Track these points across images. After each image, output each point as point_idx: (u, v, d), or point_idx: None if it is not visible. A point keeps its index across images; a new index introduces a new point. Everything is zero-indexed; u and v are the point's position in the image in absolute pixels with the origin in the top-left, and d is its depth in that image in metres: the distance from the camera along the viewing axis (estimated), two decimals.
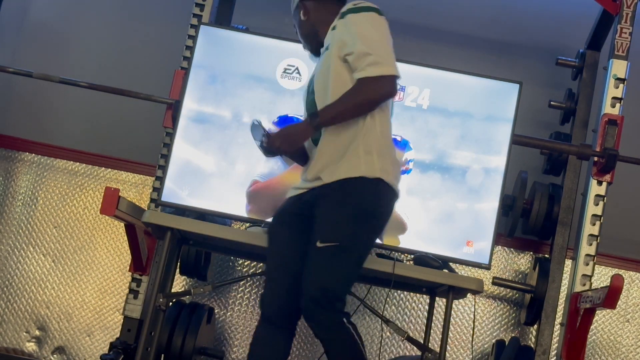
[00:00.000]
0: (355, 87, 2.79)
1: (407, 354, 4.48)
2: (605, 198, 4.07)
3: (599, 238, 4.05)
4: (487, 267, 3.92)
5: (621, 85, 4.11)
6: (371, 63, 2.78)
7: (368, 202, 2.79)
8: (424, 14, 4.71)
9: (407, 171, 3.86)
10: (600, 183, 4.10)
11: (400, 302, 4.59)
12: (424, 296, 4.49)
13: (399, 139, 3.87)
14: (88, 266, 4.66)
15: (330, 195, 2.81)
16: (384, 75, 2.78)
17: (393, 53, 2.85)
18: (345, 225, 2.76)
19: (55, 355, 4.58)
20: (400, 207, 3.65)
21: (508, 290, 4.61)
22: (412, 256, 3.76)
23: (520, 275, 4.66)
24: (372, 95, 2.78)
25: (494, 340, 4.53)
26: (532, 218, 4.38)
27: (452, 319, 4.35)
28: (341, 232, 2.76)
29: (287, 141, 2.80)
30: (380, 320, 3.40)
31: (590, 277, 4.03)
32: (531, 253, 4.67)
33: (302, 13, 3.07)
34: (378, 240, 3.19)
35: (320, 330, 2.80)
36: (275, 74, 4.04)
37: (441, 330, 3.41)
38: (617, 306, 3.55)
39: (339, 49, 2.85)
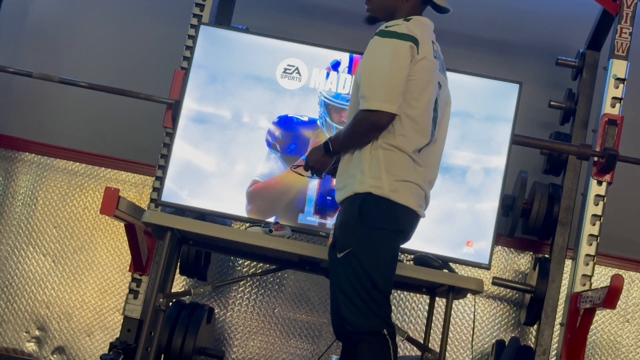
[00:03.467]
0: (352, 120, 2.95)
1: (407, 354, 4.48)
2: (605, 198, 4.07)
3: (599, 238, 4.05)
4: (487, 267, 3.92)
5: (621, 85, 4.11)
6: (361, 96, 2.91)
7: (360, 212, 2.89)
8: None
9: None
10: (600, 183, 4.09)
11: (400, 302, 4.59)
12: (424, 296, 4.48)
13: None
14: (88, 266, 4.65)
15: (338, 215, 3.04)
16: (367, 110, 2.87)
17: (393, 84, 2.86)
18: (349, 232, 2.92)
19: (55, 355, 4.58)
20: None
21: (508, 290, 4.61)
22: (412, 256, 3.76)
23: (520, 275, 4.66)
24: (360, 131, 2.93)
25: (494, 340, 4.53)
26: (532, 218, 4.37)
27: (452, 319, 4.35)
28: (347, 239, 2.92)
29: (316, 165, 3.10)
30: None
31: (590, 277, 4.02)
32: (531, 253, 4.67)
33: None
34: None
35: (356, 337, 2.83)
36: (275, 74, 4.04)
37: (441, 330, 3.41)
38: (617, 306, 3.55)
39: (357, 71, 3.01)
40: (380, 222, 2.88)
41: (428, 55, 2.95)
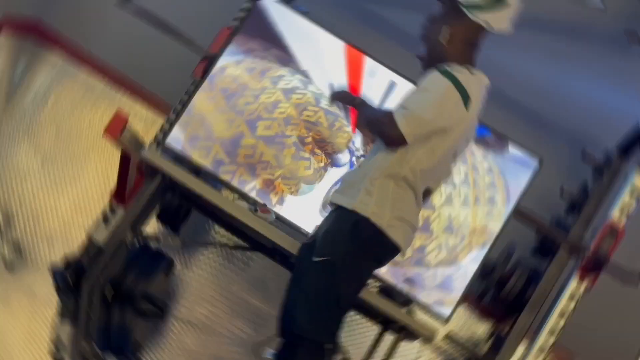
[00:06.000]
0: (382, 115, 2.98)
1: None
2: (579, 300, 4.07)
3: (560, 333, 4.05)
4: (446, 321, 3.92)
5: (635, 201, 4.10)
6: (402, 104, 2.93)
7: (352, 233, 2.88)
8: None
9: None
10: (580, 283, 4.09)
11: (352, 322, 4.53)
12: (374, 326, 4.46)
13: None
14: (72, 178, 4.62)
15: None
16: (396, 121, 2.87)
17: (425, 121, 2.88)
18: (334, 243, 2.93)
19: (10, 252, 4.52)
20: None
21: (456, 350, 4.59)
22: (379, 284, 3.76)
23: (473, 341, 4.64)
24: (377, 126, 2.99)
25: None
26: (504, 291, 4.36)
27: (392, 358, 4.31)
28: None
29: (340, 95, 3.36)
30: None
31: None
32: (492, 323, 4.65)
33: (444, 31, 3.02)
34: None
35: (299, 341, 2.89)
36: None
37: None
38: None
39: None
40: (367, 250, 2.89)
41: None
